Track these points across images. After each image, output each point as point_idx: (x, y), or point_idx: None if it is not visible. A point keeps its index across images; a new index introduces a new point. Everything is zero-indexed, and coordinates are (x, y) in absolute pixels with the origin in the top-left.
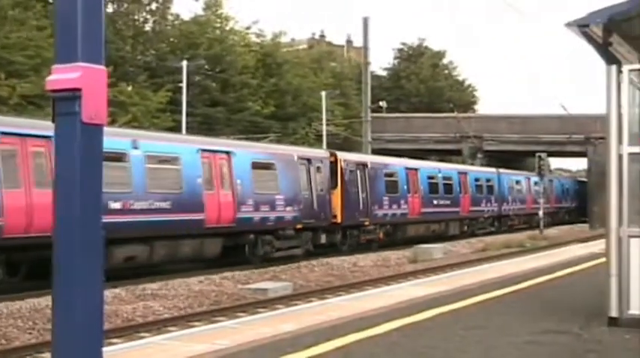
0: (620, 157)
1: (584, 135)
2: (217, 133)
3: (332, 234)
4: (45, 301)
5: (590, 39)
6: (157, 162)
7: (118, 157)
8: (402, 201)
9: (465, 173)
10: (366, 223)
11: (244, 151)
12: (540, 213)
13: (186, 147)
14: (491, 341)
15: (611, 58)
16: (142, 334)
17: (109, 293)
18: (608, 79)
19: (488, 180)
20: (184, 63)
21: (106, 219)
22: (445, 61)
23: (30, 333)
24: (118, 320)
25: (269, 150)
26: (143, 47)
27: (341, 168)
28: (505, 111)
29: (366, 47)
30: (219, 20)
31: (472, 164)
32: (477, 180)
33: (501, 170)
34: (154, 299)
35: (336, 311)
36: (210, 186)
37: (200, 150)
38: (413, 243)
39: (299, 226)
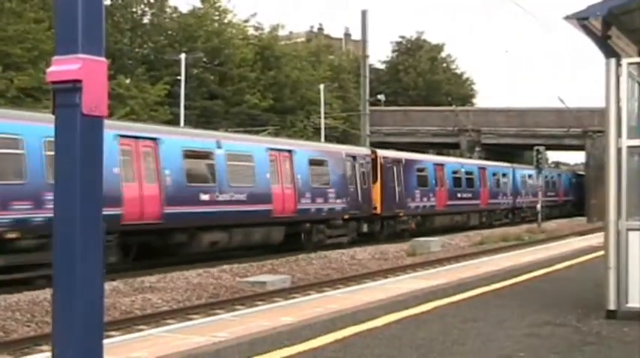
0: (618, 150)
1: (583, 129)
2: (215, 126)
3: (372, 223)
4: (43, 294)
5: (589, 32)
6: (235, 159)
7: (206, 155)
8: (431, 194)
9: (484, 168)
10: (401, 214)
11: (303, 149)
12: (538, 206)
13: (257, 146)
14: (489, 334)
15: (610, 51)
16: (141, 327)
17: (107, 286)
18: (607, 73)
19: (504, 175)
20: (182, 56)
21: (197, 209)
22: (443, 54)
23: (28, 326)
24: (117, 312)
25: (322, 149)
26: (141, 40)
27: (380, 164)
28: (503, 105)
29: (364, 40)
30: (217, 13)
31: (470, 157)
32: (494, 174)
33: (515, 165)
34: (152, 292)
35: (335, 304)
36: (276, 181)
37: (268, 149)
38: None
39: (346, 216)
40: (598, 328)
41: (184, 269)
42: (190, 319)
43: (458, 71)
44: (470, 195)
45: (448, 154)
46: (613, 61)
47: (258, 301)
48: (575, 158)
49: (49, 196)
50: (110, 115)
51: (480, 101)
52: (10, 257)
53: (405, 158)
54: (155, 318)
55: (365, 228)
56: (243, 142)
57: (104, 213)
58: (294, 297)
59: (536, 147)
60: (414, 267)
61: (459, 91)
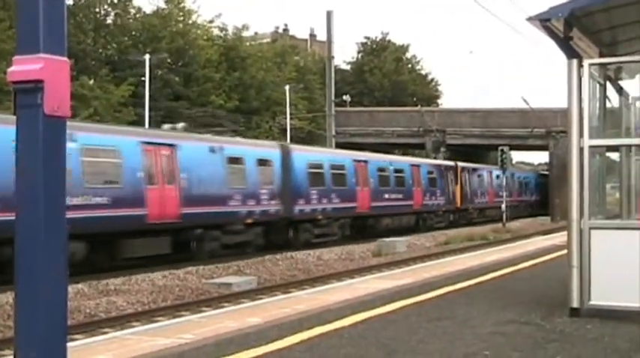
0: (581, 150)
1: (546, 129)
2: None
3: (454, 214)
4: (5, 297)
5: (551, 33)
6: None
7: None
8: (486, 193)
9: (512, 174)
10: (470, 208)
11: (424, 164)
12: (503, 206)
13: (395, 161)
14: (455, 333)
15: (572, 52)
16: (105, 329)
17: (70, 289)
18: (569, 73)
19: (517, 177)
20: (147, 56)
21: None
22: (408, 55)
23: None
24: (81, 315)
25: (433, 164)
26: (105, 40)
27: (460, 171)
28: (468, 105)
29: (329, 41)
30: (181, 14)
31: (435, 158)
32: (512, 176)
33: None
34: (117, 294)
35: (302, 305)
36: (416, 186)
37: (392, 163)
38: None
39: (444, 209)
40: (561, 326)
41: (149, 272)
42: (156, 321)
43: (423, 72)
44: (507, 193)
45: (413, 154)
46: (575, 61)
47: (224, 302)
48: (539, 158)
49: (333, 196)
50: (73, 116)
51: (445, 102)
52: (320, 229)
53: (472, 166)
54: (120, 321)
55: (452, 217)
56: (338, 156)
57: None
58: (260, 298)
59: (500, 148)
60: (379, 267)
61: (424, 92)
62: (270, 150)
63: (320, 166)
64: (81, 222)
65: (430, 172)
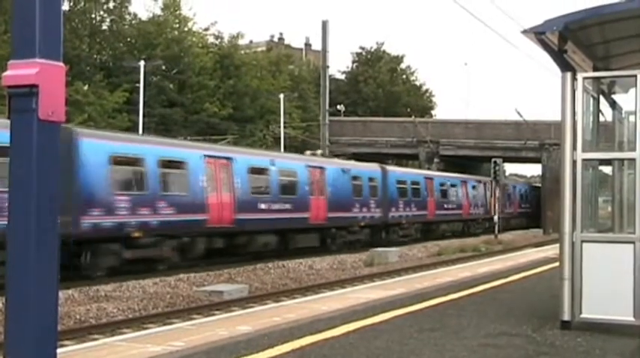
0: (574, 163)
1: (539, 142)
2: (174, 134)
3: (490, 221)
4: None
5: (545, 46)
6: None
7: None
8: (512, 205)
9: (534, 187)
10: (501, 216)
11: (471, 181)
12: (495, 217)
13: (454, 179)
14: (446, 344)
15: (566, 66)
16: (95, 336)
17: (61, 295)
18: (563, 86)
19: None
20: (142, 63)
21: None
22: (403, 65)
23: None
24: (71, 321)
25: (477, 179)
26: (100, 46)
27: (495, 186)
28: (461, 117)
29: (324, 50)
30: (177, 21)
31: (428, 168)
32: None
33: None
34: (107, 301)
35: (293, 314)
36: (464, 198)
37: (450, 179)
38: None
39: (483, 218)
40: (552, 338)
41: (140, 278)
42: (146, 328)
43: (417, 82)
44: (528, 205)
45: (407, 165)
46: (569, 75)
47: (215, 310)
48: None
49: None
50: (67, 121)
51: (439, 113)
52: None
53: (505, 182)
54: (110, 327)
55: (487, 224)
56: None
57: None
58: (251, 307)
59: (493, 159)
60: (371, 277)
61: (418, 103)
62: (375, 169)
63: (404, 182)
64: (274, 222)
65: (474, 187)
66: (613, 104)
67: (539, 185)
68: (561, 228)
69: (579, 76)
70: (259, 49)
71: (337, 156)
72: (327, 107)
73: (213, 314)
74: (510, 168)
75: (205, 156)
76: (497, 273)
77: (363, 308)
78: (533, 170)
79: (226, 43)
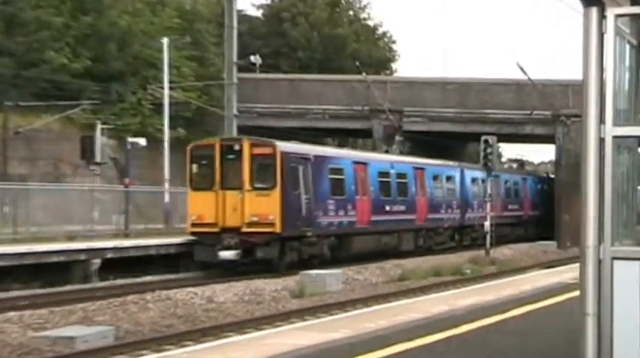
0: (601, 142)
1: (552, 112)
2: None
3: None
4: None
5: None
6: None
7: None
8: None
9: (543, 179)
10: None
11: (531, 178)
12: (487, 223)
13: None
14: None
15: None
16: None
17: None
18: (585, 28)
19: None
20: None
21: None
22: None
23: None
24: None
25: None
26: None
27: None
28: (437, 74)
29: None
30: None
31: (387, 151)
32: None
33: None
34: None
35: None
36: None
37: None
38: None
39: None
40: None
41: None
42: None
43: (370, 23)
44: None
45: (355, 146)
46: (594, 10)
47: None
48: (542, 154)
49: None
50: None
51: (404, 69)
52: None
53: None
54: None
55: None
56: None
57: None
58: None
59: (483, 138)
60: (301, 314)
61: (372, 53)
62: (454, 167)
63: (477, 181)
64: (394, 224)
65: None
66: None
67: (553, 176)
68: (583, 240)
69: (610, 13)
70: None
71: (247, 131)
72: (236, 58)
73: None
74: (509, 151)
75: (354, 162)
76: (489, 307)
77: None
78: (543, 153)
79: None
